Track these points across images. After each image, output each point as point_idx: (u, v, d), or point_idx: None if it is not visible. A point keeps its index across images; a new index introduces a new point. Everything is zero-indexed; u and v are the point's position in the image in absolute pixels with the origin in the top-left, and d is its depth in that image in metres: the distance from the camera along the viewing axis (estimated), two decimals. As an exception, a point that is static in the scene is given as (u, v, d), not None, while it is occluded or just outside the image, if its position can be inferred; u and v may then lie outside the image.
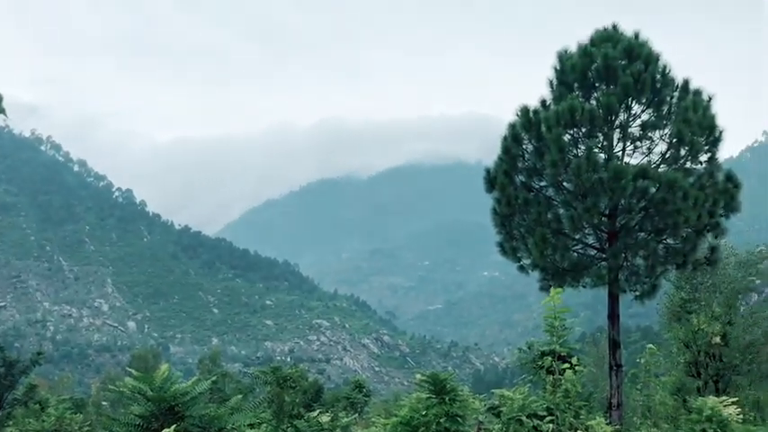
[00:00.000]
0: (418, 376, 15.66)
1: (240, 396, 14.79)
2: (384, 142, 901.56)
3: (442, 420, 14.48)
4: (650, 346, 16.62)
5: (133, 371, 12.43)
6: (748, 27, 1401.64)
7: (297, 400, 25.23)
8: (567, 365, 13.36)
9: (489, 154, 24.14)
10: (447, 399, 15.01)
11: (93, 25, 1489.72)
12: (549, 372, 13.76)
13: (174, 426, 10.67)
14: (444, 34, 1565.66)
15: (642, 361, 16.92)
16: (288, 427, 21.39)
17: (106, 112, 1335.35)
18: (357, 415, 34.61)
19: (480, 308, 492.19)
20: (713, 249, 23.72)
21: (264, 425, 22.34)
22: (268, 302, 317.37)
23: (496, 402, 15.04)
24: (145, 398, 11.89)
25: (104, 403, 75.10)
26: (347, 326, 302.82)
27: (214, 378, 17.08)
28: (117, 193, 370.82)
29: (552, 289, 13.12)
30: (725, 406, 16.54)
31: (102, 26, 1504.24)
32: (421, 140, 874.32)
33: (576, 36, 23.70)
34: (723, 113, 23.41)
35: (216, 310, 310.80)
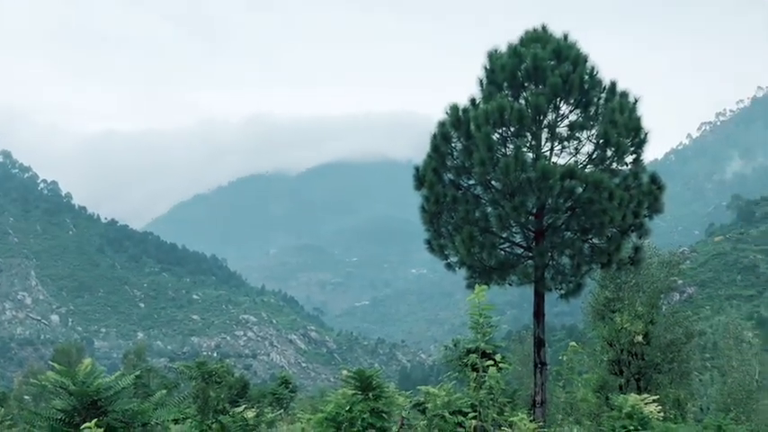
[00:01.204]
0: (344, 372, 15.65)
1: (165, 391, 14.61)
2: (314, 138, 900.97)
3: (366, 416, 14.48)
4: (572, 343, 16.76)
5: (56, 365, 12.23)
6: (675, 33, 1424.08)
7: (222, 396, 25.05)
8: (490, 363, 13.45)
9: (419, 152, 24.22)
10: (372, 395, 15.01)
11: (19, 17, 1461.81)
12: (474, 369, 13.84)
13: (96, 420, 10.51)
14: (376, 31, 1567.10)
15: (564, 358, 17.07)
16: (212, 423, 21.26)
17: (33, 104, 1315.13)
18: (283, 411, 34.46)
19: (408, 305, 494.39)
20: (637, 249, 24.07)
21: (189, 420, 22.17)
22: (195, 297, 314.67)
23: (422, 399, 15.12)
24: (67, 392, 11.71)
25: (27, 397, 73.90)
26: (274, 321, 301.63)
27: (138, 373, 16.87)
28: (42, 185, 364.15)
29: (477, 286, 13.18)
30: (646, 404, 16.79)
31: (30, 18, 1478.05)
32: (351, 137, 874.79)
33: (508, 36, 23.89)
34: (650, 116, 23.79)
35: (142, 305, 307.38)
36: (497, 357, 13.76)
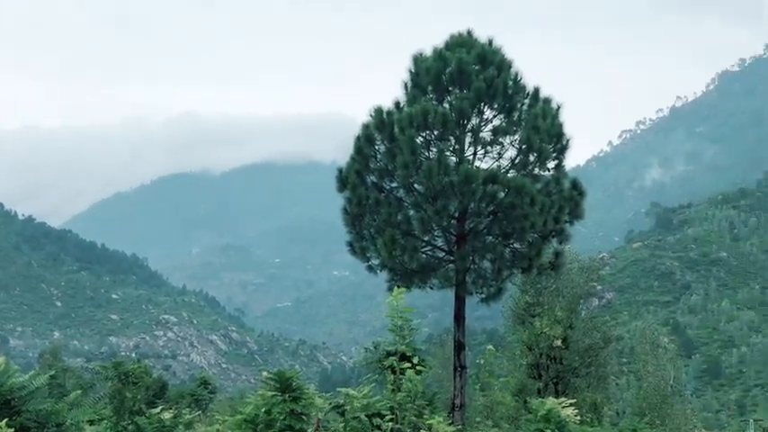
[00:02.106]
0: (264, 374, 15.52)
1: (80, 391, 14.42)
2: (239, 139, 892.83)
3: (284, 418, 14.39)
4: (489, 347, 16.92)
5: (-32, 363, 11.97)
6: (600, 42, 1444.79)
7: (139, 397, 24.64)
8: (408, 365, 13.44)
9: (344, 154, 24.13)
10: (292, 397, 14.91)
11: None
12: (393, 371, 13.82)
13: (7, 420, 10.30)
14: (305, 32, 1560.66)
15: (482, 362, 17.20)
16: (128, 425, 20.94)
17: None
18: (201, 412, 34.15)
19: (329, 307, 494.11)
20: (557, 254, 24.31)
21: (104, 421, 21.81)
22: (114, 296, 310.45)
23: (341, 401, 15.06)
24: (-22, 391, 11.47)
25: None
26: (195, 322, 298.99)
27: (53, 372, 16.59)
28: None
29: (396, 289, 13.17)
30: (563, 407, 16.92)
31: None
32: (277, 138, 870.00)
33: (436, 39, 23.92)
34: (572, 123, 24.04)
35: (59, 304, 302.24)
36: (415, 360, 13.76)
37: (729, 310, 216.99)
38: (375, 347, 20.43)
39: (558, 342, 33.47)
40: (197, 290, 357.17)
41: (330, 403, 15.49)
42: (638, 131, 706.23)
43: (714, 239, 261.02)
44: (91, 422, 18.66)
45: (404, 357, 14.00)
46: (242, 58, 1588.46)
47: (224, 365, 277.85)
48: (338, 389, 15.69)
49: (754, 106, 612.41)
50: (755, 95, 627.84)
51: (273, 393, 14.99)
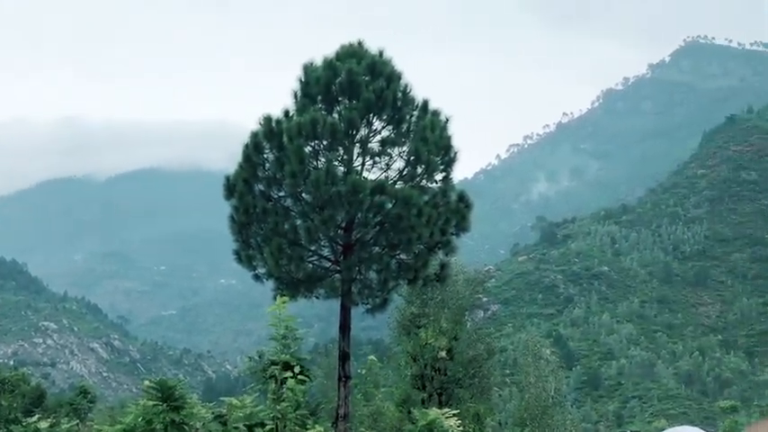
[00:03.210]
0: (146, 383, 15.29)
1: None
2: (126, 144, 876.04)
3: (163, 428, 14.18)
4: (371, 357, 16.99)
5: None
6: (490, 57, 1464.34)
7: (15, 405, 24.14)
8: (290, 374, 13.39)
9: (233, 163, 23.92)
10: (174, 406, 14.72)
11: None
12: (276, 381, 13.77)
13: None
14: (196, 36, 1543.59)
15: (363, 372, 17.26)
16: (3, 434, 20.44)
17: None
18: (80, 422, 33.47)
19: (215, 315, 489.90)
20: (443, 266, 24.51)
21: (-22, 430, 21.25)
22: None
23: (224, 411, 14.91)
24: None
25: None
26: (76, 329, 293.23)
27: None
28: None
29: (279, 298, 13.12)
30: (446, 418, 17.03)
31: None
32: (165, 144, 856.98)
33: (327, 49, 23.89)
34: (461, 136, 24.27)
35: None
36: (297, 369, 13.72)
37: (609, 323, 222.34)
38: (260, 356, 20.30)
39: (443, 353, 33.79)
40: (79, 297, 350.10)
41: (212, 413, 15.34)
42: (526, 146, 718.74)
43: (596, 254, 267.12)
44: (-36, 431, 18.18)
45: (287, 367, 13.95)
46: (129, 63, 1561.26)
47: (105, 374, 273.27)
48: (221, 398, 15.55)
49: (637, 124, 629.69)
50: (638, 114, 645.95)
51: (155, 403, 14.77)
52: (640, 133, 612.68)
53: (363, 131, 22.84)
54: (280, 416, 13.35)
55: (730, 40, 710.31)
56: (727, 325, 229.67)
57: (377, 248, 23.05)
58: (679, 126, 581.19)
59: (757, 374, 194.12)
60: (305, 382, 13.75)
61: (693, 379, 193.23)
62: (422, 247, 22.88)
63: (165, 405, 14.67)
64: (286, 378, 13.42)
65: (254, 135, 22.84)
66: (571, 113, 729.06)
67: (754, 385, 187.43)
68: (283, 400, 13.41)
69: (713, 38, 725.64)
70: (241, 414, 13.67)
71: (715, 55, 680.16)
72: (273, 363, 14.10)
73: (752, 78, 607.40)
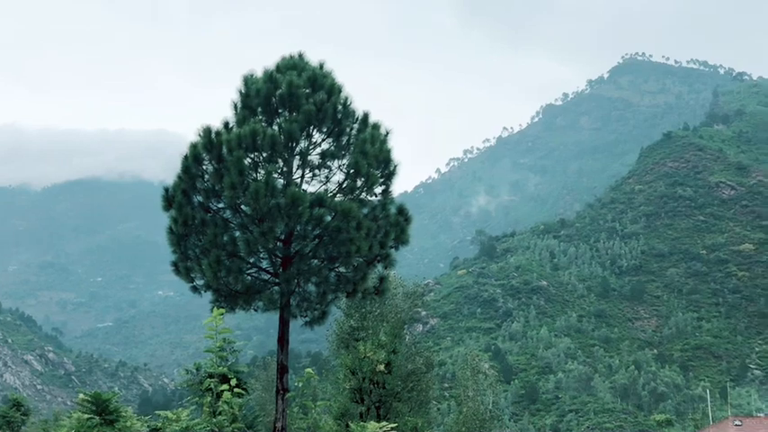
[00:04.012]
0: (81, 396, 15.12)
1: None
2: (62, 154, 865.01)
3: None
4: (309, 370, 16.86)
5: None
6: (431, 71, 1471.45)
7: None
8: (226, 387, 13.31)
9: (173, 174, 23.71)
10: (108, 419, 14.56)
11: None
12: (213, 394, 13.67)
13: None
14: (135, 46, 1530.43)
15: (300, 385, 17.16)
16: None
17: None
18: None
19: (152, 327, 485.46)
20: (382, 279, 24.52)
21: None
22: None
23: (159, 424, 14.78)
24: None
25: None
26: (10, 341, 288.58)
27: None
28: None
29: (215, 310, 13.03)
30: (384, 431, 17.02)
31: None
32: (103, 154, 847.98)
33: (268, 61, 23.83)
34: (401, 150, 24.36)
35: None
36: (233, 382, 13.64)
37: (548, 337, 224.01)
38: (197, 369, 20.14)
39: (382, 367, 33.77)
40: (13, 308, 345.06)
41: (148, 426, 15.21)
42: (466, 160, 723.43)
43: (535, 268, 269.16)
44: None
45: (224, 380, 13.86)
46: (66, 71, 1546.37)
47: (39, 387, 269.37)
48: (157, 412, 15.41)
49: (576, 139, 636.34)
50: (576, 129, 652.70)
51: (89, 416, 14.63)
52: (579, 148, 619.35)
53: (303, 144, 22.81)
54: (216, 429, 13.25)
55: (667, 58, 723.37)
56: (663, 339, 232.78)
57: (316, 261, 22.99)
58: (617, 142, 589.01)
59: (692, 388, 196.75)
60: (242, 395, 13.66)
61: (629, 392, 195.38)
62: (361, 260, 22.87)
63: (99, 418, 14.53)
64: (223, 391, 13.33)
65: (194, 146, 22.67)
66: (511, 128, 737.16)
67: (689, 399, 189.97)
68: (220, 414, 13.31)
69: (650, 55, 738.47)
70: (177, 428, 13.56)
71: (652, 72, 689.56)
72: (210, 375, 14.00)
73: (688, 96, 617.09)
